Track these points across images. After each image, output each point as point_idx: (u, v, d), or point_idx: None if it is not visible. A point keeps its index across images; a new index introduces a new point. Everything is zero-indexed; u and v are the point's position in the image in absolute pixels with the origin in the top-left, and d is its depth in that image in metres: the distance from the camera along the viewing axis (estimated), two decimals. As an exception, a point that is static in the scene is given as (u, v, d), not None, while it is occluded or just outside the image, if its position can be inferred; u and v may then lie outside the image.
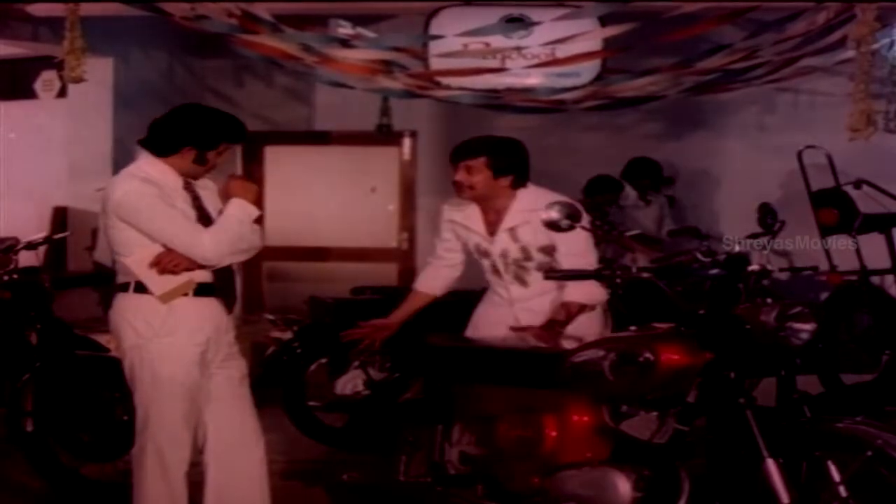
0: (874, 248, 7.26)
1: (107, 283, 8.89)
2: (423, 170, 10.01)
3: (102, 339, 5.96)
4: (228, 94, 10.02)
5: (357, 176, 9.93)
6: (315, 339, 6.30)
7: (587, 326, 4.48)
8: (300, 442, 5.99)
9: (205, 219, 4.14)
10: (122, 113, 9.23)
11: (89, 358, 5.40)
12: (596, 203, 8.44)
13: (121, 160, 9.21)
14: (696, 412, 3.56)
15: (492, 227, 4.62)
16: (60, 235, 7.39)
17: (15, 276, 5.60)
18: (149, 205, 4.03)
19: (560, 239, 4.39)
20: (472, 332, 4.75)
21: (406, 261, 9.94)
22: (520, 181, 4.59)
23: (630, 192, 8.52)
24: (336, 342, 6.26)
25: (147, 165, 4.15)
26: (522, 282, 4.61)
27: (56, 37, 6.97)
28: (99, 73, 8.30)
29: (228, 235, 4.10)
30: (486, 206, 4.62)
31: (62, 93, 9.34)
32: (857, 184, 7.36)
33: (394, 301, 6.77)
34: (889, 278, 7.52)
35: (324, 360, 6.27)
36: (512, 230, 4.55)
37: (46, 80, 9.55)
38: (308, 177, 9.93)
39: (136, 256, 4.07)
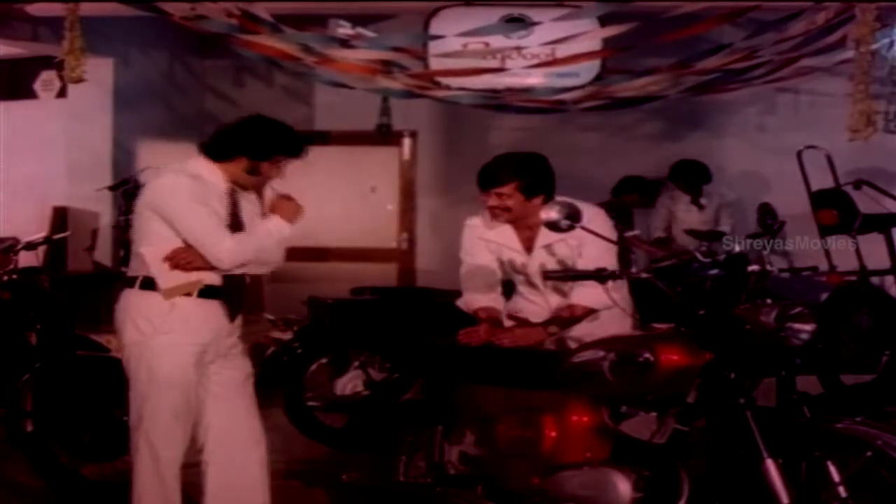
0: (874, 249, 7.26)
1: (107, 283, 8.92)
2: (423, 170, 10.01)
3: (102, 339, 5.97)
4: (228, 94, 10.02)
5: (357, 176, 9.93)
6: (315, 340, 6.31)
7: (615, 329, 4.44)
8: (300, 442, 5.99)
9: (236, 227, 4.14)
10: (121, 113, 9.23)
11: (89, 358, 5.40)
12: (622, 203, 8.46)
13: (121, 160, 9.24)
14: (695, 412, 3.56)
15: (527, 244, 4.60)
16: (60, 235, 7.39)
17: (15, 277, 5.60)
18: (182, 199, 4.05)
19: (584, 245, 4.38)
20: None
21: (406, 261, 9.95)
22: (550, 197, 4.56)
23: (681, 195, 8.50)
24: (336, 342, 6.29)
25: (197, 164, 4.18)
26: (560, 291, 4.59)
27: (56, 37, 6.97)
28: (99, 73, 8.30)
29: (252, 246, 4.12)
30: (520, 224, 4.59)
31: (62, 93, 9.33)
32: (857, 184, 7.36)
33: (393, 301, 6.81)
34: (889, 279, 7.51)
35: (324, 361, 6.28)
36: (548, 247, 4.53)
37: (46, 81, 9.54)
38: (307, 176, 9.91)
39: (153, 248, 4.09)
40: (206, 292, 4.11)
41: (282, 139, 4.18)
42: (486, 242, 4.66)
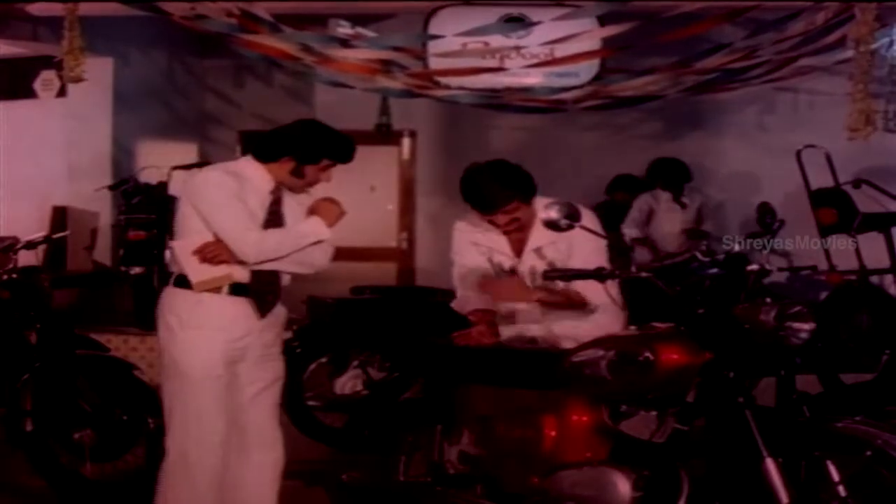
0: (873, 248, 7.27)
1: (106, 282, 8.90)
2: (423, 169, 10.02)
3: (102, 338, 5.97)
4: (228, 93, 10.03)
5: (356, 175, 9.83)
6: (314, 339, 6.30)
7: (609, 327, 4.45)
8: (300, 442, 5.98)
9: (275, 225, 4.17)
10: (121, 113, 9.23)
11: (89, 358, 5.40)
12: (615, 201, 8.44)
13: (120, 160, 9.24)
14: (695, 412, 3.56)
15: (517, 247, 4.58)
16: (60, 235, 7.39)
17: (14, 276, 5.60)
18: (216, 193, 4.09)
19: (575, 248, 4.38)
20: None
21: (405, 260, 9.96)
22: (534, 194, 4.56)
23: (662, 194, 8.44)
24: (335, 342, 6.29)
25: (242, 164, 4.23)
26: (551, 293, 4.58)
27: (55, 36, 6.98)
28: (98, 72, 8.30)
29: (278, 242, 4.13)
30: None
31: (62, 92, 9.33)
32: (857, 183, 7.37)
33: (393, 301, 6.81)
34: (888, 278, 7.53)
35: (323, 360, 6.28)
36: (538, 250, 4.51)
37: (46, 80, 9.55)
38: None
39: (184, 241, 4.13)
40: (235, 290, 4.13)
41: (330, 143, 4.20)
42: (477, 246, 4.66)
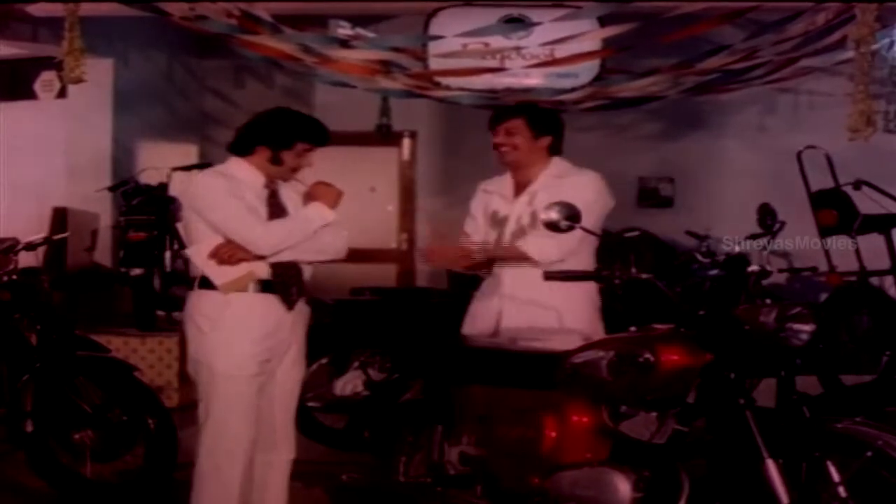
0: (874, 249, 7.26)
1: (106, 283, 8.88)
2: (423, 170, 10.02)
3: (102, 339, 5.97)
4: (228, 94, 10.03)
5: (356, 176, 9.90)
6: (314, 340, 6.29)
7: (584, 322, 4.51)
8: (300, 442, 5.96)
9: (279, 216, 4.19)
10: (121, 113, 9.23)
11: (89, 359, 5.40)
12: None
13: (120, 160, 9.24)
14: (695, 413, 3.56)
15: (518, 191, 4.64)
16: (60, 236, 7.39)
17: (14, 277, 5.60)
18: (213, 195, 4.11)
19: (566, 188, 4.37)
20: (468, 328, 4.75)
21: (405, 261, 9.95)
22: (556, 145, 4.63)
23: None
24: (336, 343, 6.28)
25: (231, 164, 4.25)
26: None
27: (55, 37, 6.97)
28: (98, 73, 8.29)
29: (286, 231, 4.15)
30: (521, 174, 4.63)
31: (62, 93, 9.32)
32: (857, 184, 7.37)
33: (393, 302, 6.81)
34: (888, 279, 7.53)
35: (324, 361, 6.28)
36: (534, 193, 4.56)
37: (46, 81, 9.54)
38: (307, 177, 9.91)
39: (196, 247, 4.15)
40: (261, 287, 4.15)
41: (297, 126, 4.23)
42: (484, 194, 4.74)
